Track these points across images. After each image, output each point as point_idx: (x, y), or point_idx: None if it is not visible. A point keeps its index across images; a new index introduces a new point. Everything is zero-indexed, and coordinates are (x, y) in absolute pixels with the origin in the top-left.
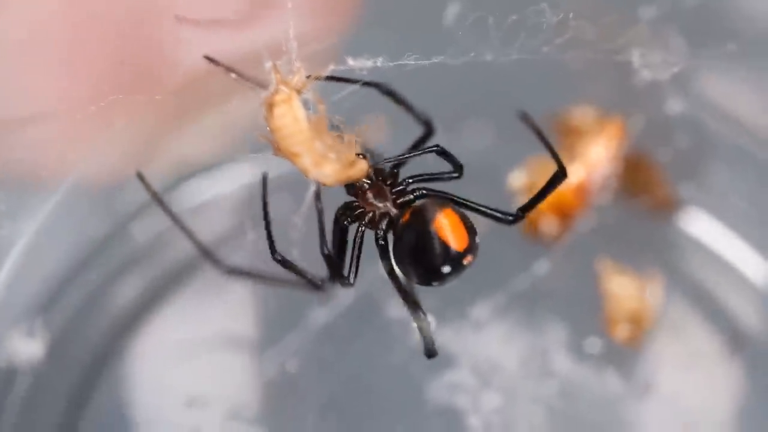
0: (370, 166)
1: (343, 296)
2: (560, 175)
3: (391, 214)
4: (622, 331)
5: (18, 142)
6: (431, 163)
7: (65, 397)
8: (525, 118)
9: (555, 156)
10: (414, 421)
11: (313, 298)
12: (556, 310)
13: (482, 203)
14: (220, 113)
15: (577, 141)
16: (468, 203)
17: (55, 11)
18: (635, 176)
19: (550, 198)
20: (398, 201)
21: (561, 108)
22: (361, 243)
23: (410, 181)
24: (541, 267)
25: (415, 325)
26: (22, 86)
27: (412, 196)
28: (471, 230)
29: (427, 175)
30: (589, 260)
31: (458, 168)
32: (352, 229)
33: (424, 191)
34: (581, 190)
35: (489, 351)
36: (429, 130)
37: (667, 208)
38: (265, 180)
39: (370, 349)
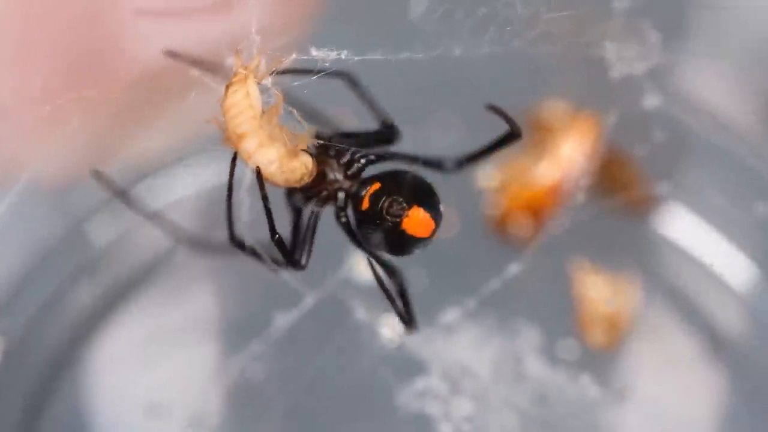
0: (314, 161)
1: (308, 299)
2: (514, 134)
3: (345, 187)
4: (597, 335)
5: None
6: None
7: (21, 404)
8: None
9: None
10: (383, 428)
11: (277, 302)
12: (528, 314)
13: (419, 154)
14: (179, 110)
15: (548, 137)
16: (409, 156)
17: (5, 6)
18: (610, 174)
19: (522, 197)
20: (349, 172)
21: (532, 103)
22: (315, 224)
23: (355, 151)
24: (513, 270)
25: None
26: None
27: (362, 163)
28: (437, 214)
29: (365, 143)
30: (563, 262)
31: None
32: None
33: (372, 157)
34: (554, 189)
35: (460, 356)
36: (391, 134)
37: (643, 206)
38: (233, 161)
39: (337, 355)
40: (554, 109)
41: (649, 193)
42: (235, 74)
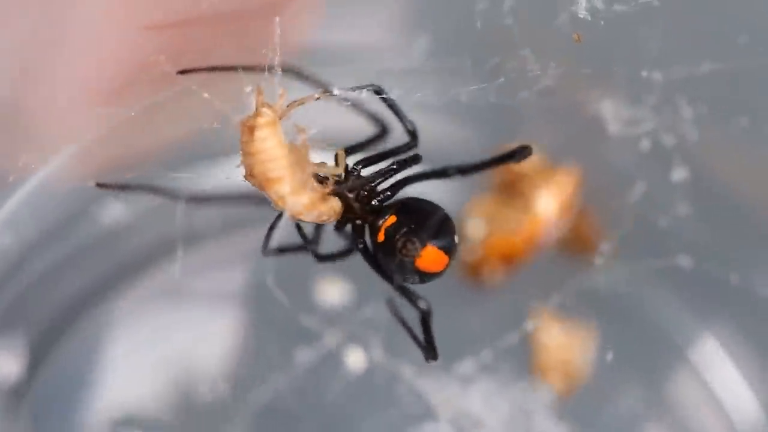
0: (342, 204)
1: (319, 343)
2: (525, 150)
3: (367, 219)
4: (555, 381)
5: None
6: None
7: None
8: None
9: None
10: None
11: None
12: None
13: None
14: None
15: (529, 189)
16: (422, 175)
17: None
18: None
19: (498, 245)
20: (368, 208)
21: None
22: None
23: (374, 183)
24: (531, 324)
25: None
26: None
27: (381, 198)
28: (452, 248)
29: (387, 171)
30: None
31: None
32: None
33: (388, 192)
34: (530, 240)
35: (472, 406)
36: (414, 140)
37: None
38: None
39: (346, 397)
40: (538, 162)
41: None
42: (260, 114)
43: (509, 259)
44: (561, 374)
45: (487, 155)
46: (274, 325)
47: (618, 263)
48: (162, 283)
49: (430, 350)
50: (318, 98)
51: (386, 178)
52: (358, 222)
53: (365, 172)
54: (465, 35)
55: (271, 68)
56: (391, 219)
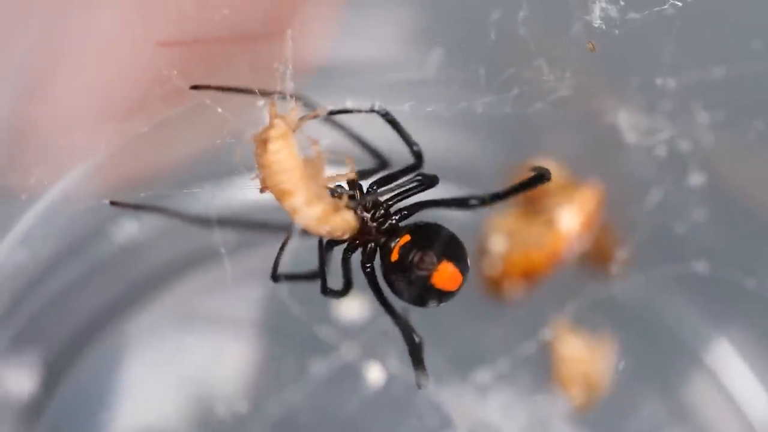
0: (357, 217)
1: (336, 355)
2: (542, 177)
3: (378, 240)
4: (576, 395)
5: None
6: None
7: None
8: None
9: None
10: None
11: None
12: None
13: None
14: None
15: (552, 205)
16: (441, 202)
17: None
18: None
19: (521, 262)
20: (382, 228)
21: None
22: (348, 264)
23: (390, 203)
24: (548, 333)
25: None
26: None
27: (395, 220)
28: (465, 268)
29: (402, 192)
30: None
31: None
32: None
33: (404, 212)
34: (552, 257)
35: (489, 416)
36: (419, 161)
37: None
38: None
39: (362, 408)
40: (559, 177)
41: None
42: (273, 126)
43: (531, 275)
44: (582, 387)
45: (507, 183)
46: (291, 339)
47: (635, 270)
48: (178, 300)
49: (422, 376)
50: (331, 112)
51: (401, 199)
52: (371, 245)
53: (380, 192)
54: (479, 46)
55: (283, 81)
56: (405, 238)
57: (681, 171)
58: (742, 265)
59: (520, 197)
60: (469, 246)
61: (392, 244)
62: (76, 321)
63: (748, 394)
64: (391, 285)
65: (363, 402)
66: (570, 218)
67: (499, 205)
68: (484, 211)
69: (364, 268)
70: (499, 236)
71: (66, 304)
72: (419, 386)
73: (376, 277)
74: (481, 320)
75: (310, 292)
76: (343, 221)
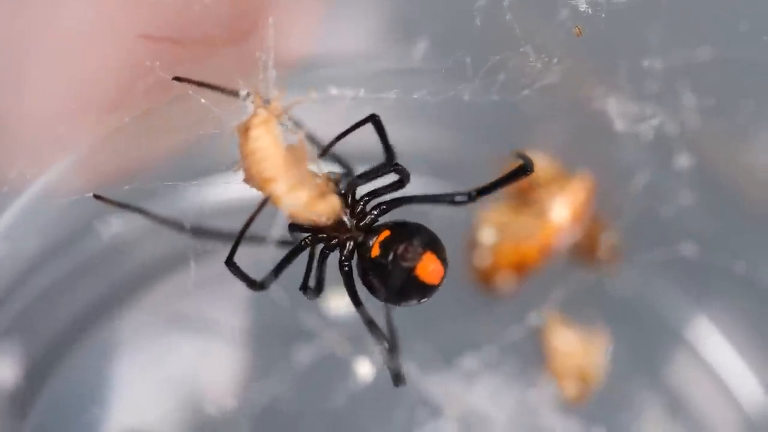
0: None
1: (322, 345)
2: (524, 168)
3: (356, 238)
4: (569, 387)
5: None
6: None
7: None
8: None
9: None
10: None
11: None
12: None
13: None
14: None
15: (543, 197)
16: (423, 198)
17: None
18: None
19: (511, 254)
20: (361, 223)
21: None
22: (323, 264)
23: (367, 198)
24: (535, 319)
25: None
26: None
27: (373, 215)
28: (445, 260)
29: (380, 189)
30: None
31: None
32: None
33: (383, 206)
34: (543, 249)
35: (477, 403)
36: (403, 177)
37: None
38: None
39: (350, 396)
40: (549, 169)
41: (619, 252)
42: (255, 114)
43: (521, 267)
44: (575, 379)
45: (495, 174)
46: (277, 329)
47: (624, 260)
48: (164, 297)
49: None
50: (314, 99)
51: (379, 195)
52: (350, 243)
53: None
54: (464, 33)
55: (265, 69)
56: (385, 233)
57: (667, 154)
58: (731, 249)
59: (511, 189)
60: (458, 238)
61: (371, 242)
62: (63, 319)
63: (739, 380)
64: (369, 284)
65: (351, 394)
66: (560, 209)
67: (488, 197)
68: (475, 202)
69: (341, 266)
70: (490, 228)
71: (51, 301)
72: (396, 385)
73: (353, 277)
74: (474, 314)
75: (298, 282)
76: (329, 206)
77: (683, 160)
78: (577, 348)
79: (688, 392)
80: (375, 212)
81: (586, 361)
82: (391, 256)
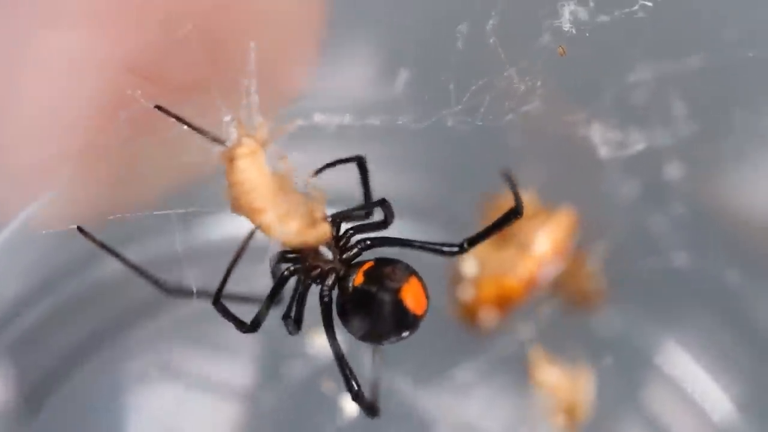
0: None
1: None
2: (515, 212)
3: (338, 270)
4: (558, 422)
5: None
6: None
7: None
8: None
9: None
10: None
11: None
12: None
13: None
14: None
15: (526, 231)
16: (411, 243)
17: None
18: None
19: (497, 290)
20: (344, 256)
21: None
22: (305, 296)
23: (352, 232)
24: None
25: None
26: None
27: (356, 250)
28: (428, 295)
29: (365, 225)
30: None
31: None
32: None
33: (368, 241)
34: (526, 283)
35: (470, 416)
36: (386, 221)
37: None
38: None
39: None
40: (532, 202)
41: (602, 289)
42: (240, 144)
43: (504, 301)
44: (565, 414)
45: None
46: (262, 369)
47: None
48: (154, 332)
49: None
50: (298, 125)
51: (364, 230)
52: (332, 275)
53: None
54: (447, 59)
55: (248, 95)
56: (369, 264)
57: (656, 166)
58: (714, 283)
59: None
60: (441, 272)
61: (353, 275)
62: (51, 356)
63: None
64: (348, 319)
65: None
66: (543, 243)
67: (472, 230)
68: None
69: (321, 297)
70: (471, 262)
71: (36, 341)
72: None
73: (331, 309)
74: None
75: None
76: (319, 233)
77: (671, 172)
78: (563, 384)
79: (657, 406)
80: (359, 246)
81: (574, 397)
82: (376, 280)
